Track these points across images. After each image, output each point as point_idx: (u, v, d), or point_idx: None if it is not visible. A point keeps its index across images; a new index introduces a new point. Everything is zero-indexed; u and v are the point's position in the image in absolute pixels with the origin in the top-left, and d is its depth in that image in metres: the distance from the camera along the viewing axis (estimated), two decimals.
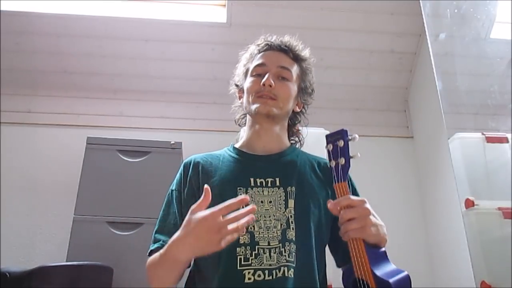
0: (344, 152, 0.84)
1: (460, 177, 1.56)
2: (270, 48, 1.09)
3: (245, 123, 1.13)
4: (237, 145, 1.09)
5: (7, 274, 1.45)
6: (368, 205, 0.82)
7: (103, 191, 1.93)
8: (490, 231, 1.46)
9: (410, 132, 2.68)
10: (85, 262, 1.66)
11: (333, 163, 0.85)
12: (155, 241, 0.95)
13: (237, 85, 1.14)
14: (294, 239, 0.91)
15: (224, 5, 2.37)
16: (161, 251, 0.85)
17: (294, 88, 1.07)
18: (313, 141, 1.28)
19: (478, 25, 1.66)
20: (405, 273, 0.81)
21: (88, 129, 2.36)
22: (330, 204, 0.83)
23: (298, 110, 1.13)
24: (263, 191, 0.96)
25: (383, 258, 0.84)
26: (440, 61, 1.68)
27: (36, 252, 2.17)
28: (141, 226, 1.85)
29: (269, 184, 0.97)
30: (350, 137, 0.85)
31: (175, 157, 2.01)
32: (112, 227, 1.86)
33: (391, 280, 0.77)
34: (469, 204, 1.48)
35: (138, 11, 2.37)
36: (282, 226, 0.92)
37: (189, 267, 0.95)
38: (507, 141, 1.55)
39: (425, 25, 1.71)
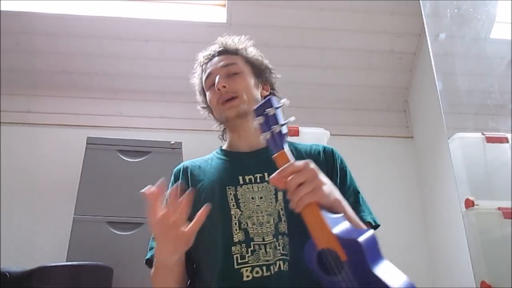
0: (276, 119, 0.77)
1: (460, 177, 1.56)
2: (208, 58, 1.11)
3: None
4: (223, 147, 1.11)
5: (7, 274, 1.46)
6: (313, 165, 0.76)
7: (103, 191, 1.93)
8: (490, 231, 1.46)
9: (410, 132, 2.68)
10: (85, 262, 1.66)
11: (268, 135, 0.77)
12: (150, 248, 0.97)
13: (204, 107, 1.18)
14: (286, 231, 0.90)
15: (224, 5, 2.37)
16: (154, 260, 0.90)
17: (248, 76, 1.07)
18: (313, 141, 1.28)
19: (478, 25, 1.66)
20: (372, 231, 0.74)
21: (88, 129, 2.36)
22: (272, 178, 0.75)
23: (267, 93, 1.12)
24: (252, 187, 0.96)
25: (342, 220, 0.76)
26: (440, 61, 1.68)
27: (36, 252, 2.17)
28: (141, 226, 1.84)
29: (258, 180, 0.97)
30: (280, 104, 0.78)
31: (175, 157, 2.01)
32: (112, 227, 1.86)
33: (359, 239, 0.69)
34: (469, 204, 1.48)
35: (138, 11, 2.37)
36: (274, 220, 0.92)
37: (193, 264, 0.97)
38: (507, 141, 1.55)
39: (425, 25, 1.71)
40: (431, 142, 2.44)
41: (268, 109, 0.78)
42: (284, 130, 0.77)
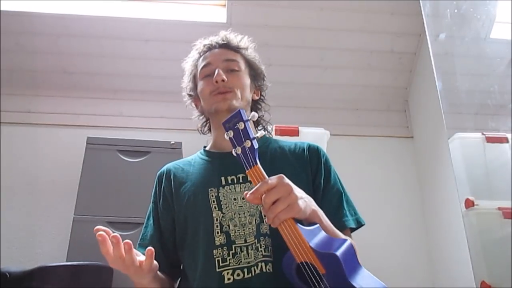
0: (246, 133, 0.77)
1: (460, 177, 1.56)
2: (210, 48, 1.09)
3: (208, 130, 1.14)
4: (207, 147, 1.10)
5: (7, 274, 1.46)
6: (286, 180, 0.76)
7: (103, 191, 1.93)
8: (490, 231, 1.46)
9: (410, 132, 2.68)
10: (85, 262, 1.65)
11: (238, 150, 0.78)
12: None
13: (190, 95, 1.15)
14: (268, 232, 0.89)
15: (224, 5, 2.37)
16: None
17: (246, 77, 1.07)
18: (313, 141, 1.28)
19: (478, 25, 1.66)
20: (348, 241, 0.76)
21: (88, 129, 2.36)
22: (247, 195, 0.75)
23: (257, 98, 1.12)
24: (235, 188, 0.95)
25: (319, 232, 0.77)
26: (440, 61, 1.68)
27: (36, 252, 2.17)
28: (141, 226, 1.84)
29: (241, 180, 0.96)
30: (249, 117, 0.79)
31: (175, 157, 1.97)
32: (112, 227, 1.85)
33: (337, 252, 0.71)
34: (469, 204, 1.48)
35: (138, 11, 2.37)
36: (256, 221, 0.91)
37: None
38: (507, 141, 1.55)
39: (425, 25, 1.71)
40: (431, 142, 2.44)
41: (239, 123, 0.77)
42: (256, 144, 0.77)
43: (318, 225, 0.79)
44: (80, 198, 1.91)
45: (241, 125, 0.77)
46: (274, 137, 1.33)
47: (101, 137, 2.10)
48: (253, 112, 0.81)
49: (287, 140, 1.10)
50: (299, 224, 0.75)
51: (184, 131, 2.43)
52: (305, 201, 0.79)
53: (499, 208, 1.44)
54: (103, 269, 1.70)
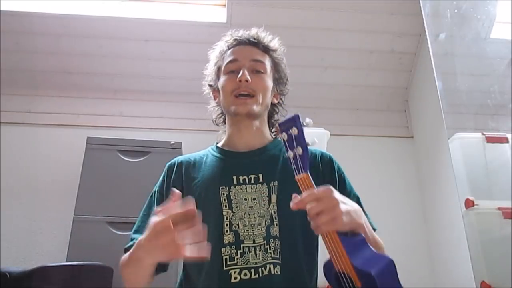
0: (299, 140, 0.77)
1: (460, 177, 1.56)
2: (239, 43, 1.06)
3: (223, 122, 1.11)
4: (219, 144, 1.08)
5: (7, 274, 1.45)
6: (335, 194, 0.76)
7: (103, 191, 1.93)
8: (490, 231, 1.46)
9: (410, 132, 2.68)
10: (85, 262, 1.65)
11: (291, 154, 0.77)
12: (131, 239, 0.94)
13: (210, 85, 1.12)
14: (278, 235, 0.89)
15: (224, 5, 2.37)
16: (130, 251, 0.81)
17: (269, 80, 1.06)
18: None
19: (478, 25, 1.66)
20: (388, 258, 0.75)
21: (88, 129, 2.36)
22: (293, 203, 0.75)
23: (276, 101, 1.11)
24: (246, 188, 0.95)
25: (362, 245, 0.77)
26: (440, 61, 1.68)
27: (36, 252, 2.17)
28: None
29: (252, 181, 0.95)
30: (304, 123, 0.78)
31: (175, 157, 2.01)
32: (112, 227, 1.86)
33: (372, 271, 0.71)
34: (469, 204, 1.48)
35: (138, 11, 2.37)
36: (266, 222, 0.91)
37: (164, 271, 0.90)
38: (507, 141, 1.55)
39: (425, 25, 1.71)
40: (431, 142, 2.44)
41: (292, 128, 0.77)
42: (307, 152, 0.77)
43: (362, 236, 0.79)
44: (80, 198, 1.92)
45: (294, 131, 0.77)
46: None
47: (101, 137, 2.10)
48: (308, 119, 0.79)
49: None
50: (342, 235, 0.75)
51: (184, 131, 2.43)
52: (351, 216, 0.77)
53: (499, 208, 1.44)
54: (103, 269, 1.70)
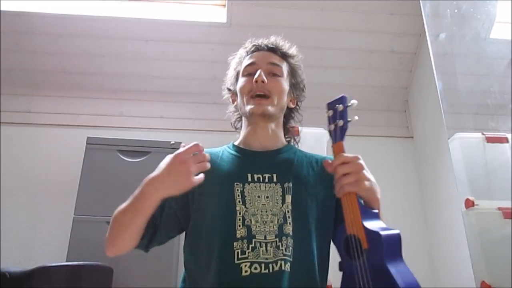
0: (342, 115, 0.87)
1: (460, 177, 1.56)
2: (258, 49, 1.12)
3: (241, 126, 1.14)
4: (236, 143, 1.11)
5: (7, 274, 1.45)
6: (362, 161, 0.84)
7: (103, 191, 1.93)
8: (490, 231, 1.46)
9: (410, 132, 2.68)
10: (85, 262, 1.65)
11: (331, 127, 0.88)
12: None
13: (229, 89, 1.16)
14: (291, 233, 0.91)
15: (224, 5, 2.37)
16: (134, 192, 0.90)
17: (286, 83, 1.08)
18: (314, 141, 1.28)
19: (478, 25, 1.66)
20: (397, 231, 0.82)
21: (88, 129, 2.36)
22: (325, 163, 0.86)
23: (292, 106, 1.15)
24: (260, 186, 0.97)
25: (375, 216, 0.84)
26: (440, 61, 1.68)
27: (36, 252, 2.17)
28: None
29: (266, 180, 0.98)
30: (349, 103, 0.88)
31: None
32: None
33: (381, 232, 0.77)
34: (469, 204, 1.48)
35: (138, 11, 2.37)
36: (279, 221, 0.92)
37: (147, 250, 0.98)
38: (507, 141, 1.55)
39: (425, 25, 1.71)
40: (431, 142, 2.44)
41: (338, 105, 0.88)
42: (347, 125, 0.87)
43: (377, 211, 0.86)
44: (80, 198, 1.92)
45: (340, 107, 0.87)
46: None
47: (101, 137, 2.10)
48: (354, 100, 0.88)
49: (311, 153, 1.13)
50: (360, 203, 0.82)
51: (184, 131, 2.43)
52: (371, 184, 0.85)
53: (499, 208, 1.44)
54: (103, 269, 1.70)
